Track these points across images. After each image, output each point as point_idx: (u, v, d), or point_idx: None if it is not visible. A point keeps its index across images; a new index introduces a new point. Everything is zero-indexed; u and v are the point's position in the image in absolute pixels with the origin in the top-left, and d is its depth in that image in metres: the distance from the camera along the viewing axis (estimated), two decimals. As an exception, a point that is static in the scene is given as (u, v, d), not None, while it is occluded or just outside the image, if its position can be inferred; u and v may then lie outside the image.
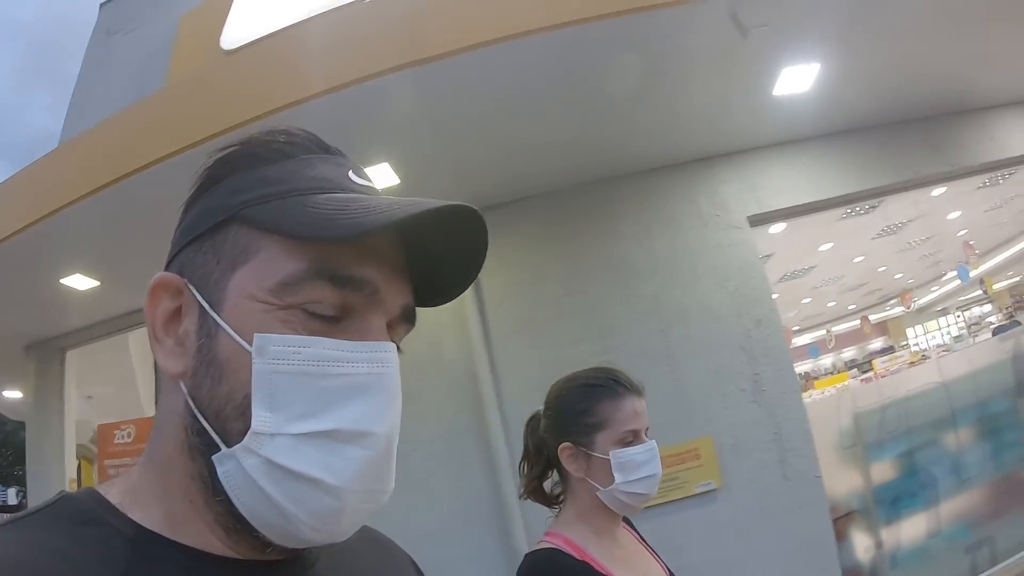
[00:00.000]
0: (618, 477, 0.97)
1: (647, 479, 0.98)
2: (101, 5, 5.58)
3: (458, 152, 2.31)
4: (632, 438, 1.00)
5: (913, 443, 2.71)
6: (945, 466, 2.78)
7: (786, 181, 2.70)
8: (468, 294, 2.55)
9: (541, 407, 1.09)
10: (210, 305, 0.37)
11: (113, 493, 0.38)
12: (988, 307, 10.56)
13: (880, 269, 8.89)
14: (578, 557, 0.94)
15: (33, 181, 2.40)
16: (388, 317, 0.39)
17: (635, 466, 0.98)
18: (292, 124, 0.42)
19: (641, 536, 1.10)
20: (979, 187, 5.13)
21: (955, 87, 2.94)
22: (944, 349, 8.70)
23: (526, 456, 1.10)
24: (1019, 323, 6.90)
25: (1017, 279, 10.40)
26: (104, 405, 4.39)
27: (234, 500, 0.34)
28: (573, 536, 0.98)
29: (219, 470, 0.34)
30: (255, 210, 0.37)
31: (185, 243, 0.39)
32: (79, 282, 2.80)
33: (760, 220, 2.67)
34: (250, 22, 3.68)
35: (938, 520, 2.60)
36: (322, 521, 0.35)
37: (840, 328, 11.41)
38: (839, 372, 10.07)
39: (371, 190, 0.41)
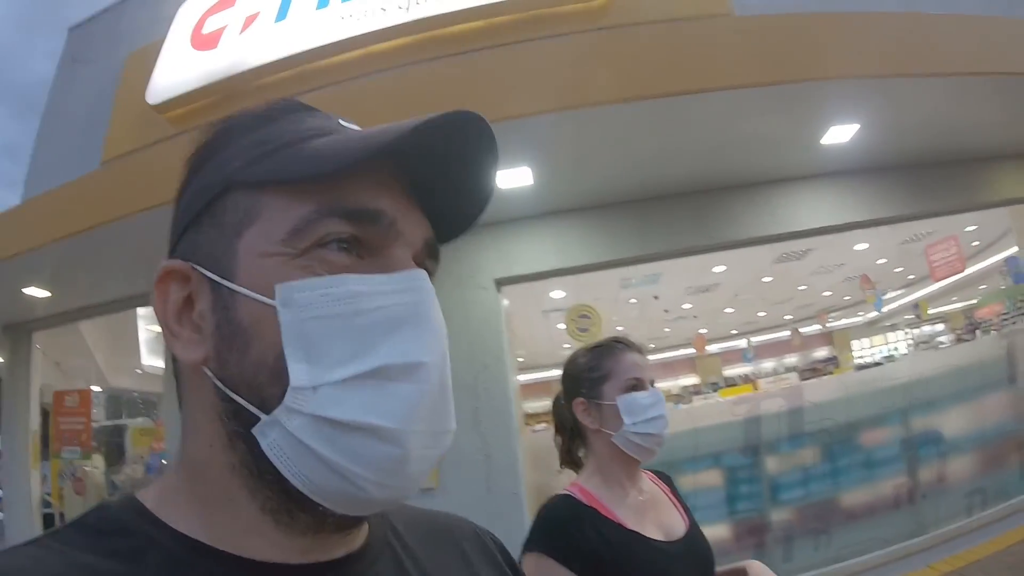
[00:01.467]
0: (627, 420, 1.09)
1: (655, 420, 1.09)
2: (69, 29, 6.48)
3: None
4: (636, 384, 1.12)
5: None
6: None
7: (533, 250, 3.77)
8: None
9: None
10: (222, 277, 0.36)
11: (151, 500, 0.37)
12: (940, 326, 11.21)
13: (801, 287, 9.37)
14: (586, 502, 1.04)
15: (4, 227, 3.65)
16: (412, 251, 0.39)
17: (641, 408, 1.09)
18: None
19: (674, 490, 1.20)
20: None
21: (725, 166, 3.58)
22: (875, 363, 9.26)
23: (557, 431, 1.25)
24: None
25: (973, 302, 10.88)
26: (69, 370, 5.73)
27: (285, 473, 0.33)
28: (588, 486, 1.09)
29: (263, 443, 0.33)
30: (249, 171, 0.37)
31: (183, 229, 0.39)
32: (37, 292, 4.09)
33: (506, 282, 3.81)
34: (174, 76, 4.66)
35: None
36: (386, 474, 0.34)
37: (780, 336, 12.21)
38: (753, 380, 10.97)
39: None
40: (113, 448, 5.39)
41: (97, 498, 4.68)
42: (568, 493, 1.08)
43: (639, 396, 1.11)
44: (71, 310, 4.83)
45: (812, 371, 11.22)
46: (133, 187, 3.22)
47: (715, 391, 10.26)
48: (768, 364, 12.92)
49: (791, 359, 13.67)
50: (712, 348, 11.03)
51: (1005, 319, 8.31)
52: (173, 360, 0.39)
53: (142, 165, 3.43)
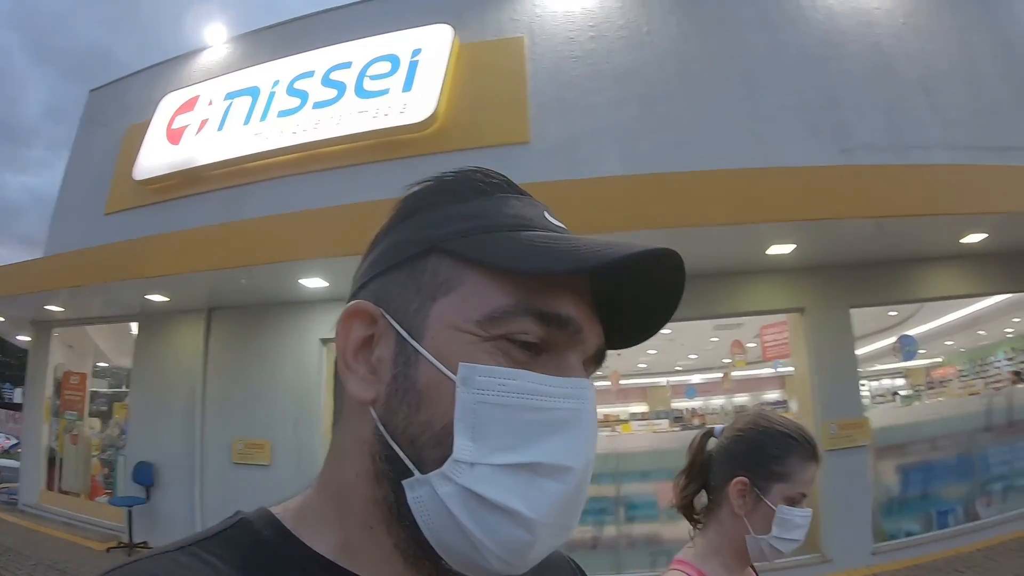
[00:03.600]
0: (775, 530, 1.07)
1: (793, 540, 1.09)
2: (90, 91, 8.87)
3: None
4: (800, 500, 1.10)
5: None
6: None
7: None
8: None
9: (717, 427, 1.21)
10: (409, 334, 0.40)
11: (289, 517, 0.42)
12: (901, 380, 11.82)
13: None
14: None
15: (25, 274, 6.15)
16: (584, 356, 0.43)
17: (792, 526, 1.08)
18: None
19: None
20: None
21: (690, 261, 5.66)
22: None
23: (687, 470, 1.19)
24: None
25: (939, 359, 11.85)
26: (81, 352, 8.30)
27: (422, 526, 0.37)
28: (707, 570, 1.09)
29: (409, 495, 0.37)
30: (458, 243, 0.41)
31: (377, 272, 0.43)
32: (54, 308, 6.61)
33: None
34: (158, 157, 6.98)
35: None
36: (511, 553, 0.37)
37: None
38: (701, 415, 11.50)
39: (567, 231, 0.44)
40: (105, 413, 7.96)
41: (86, 448, 7.23)
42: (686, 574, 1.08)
43: (798, 514, 1.09)
44: (78, 318, 7.37)
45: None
46: (109, 265, 5.57)
47: (661, 419, 10.68)
48: (717, 400, 13.04)
49: (742, 398, 14.07)
50: (660, 380, 12.03)
51: (963, 378, 9.74)
52: (337, 384, 0.44)
53: (117, 249, 5.74)
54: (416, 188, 0.46)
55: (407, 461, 0.38)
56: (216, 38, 7.89)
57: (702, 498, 1.18)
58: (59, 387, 7.68)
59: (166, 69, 8.13)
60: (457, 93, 5.92)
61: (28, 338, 8.37)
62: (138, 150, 7.24)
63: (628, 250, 0.38)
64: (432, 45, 6.03)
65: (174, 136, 7.02)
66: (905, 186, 4.63)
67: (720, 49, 6.09)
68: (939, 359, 11.57)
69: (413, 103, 5.79)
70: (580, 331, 0.41)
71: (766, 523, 1.08)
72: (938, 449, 5.70)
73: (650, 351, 11.75)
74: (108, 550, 5.72)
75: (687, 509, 1.18)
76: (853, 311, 5.44)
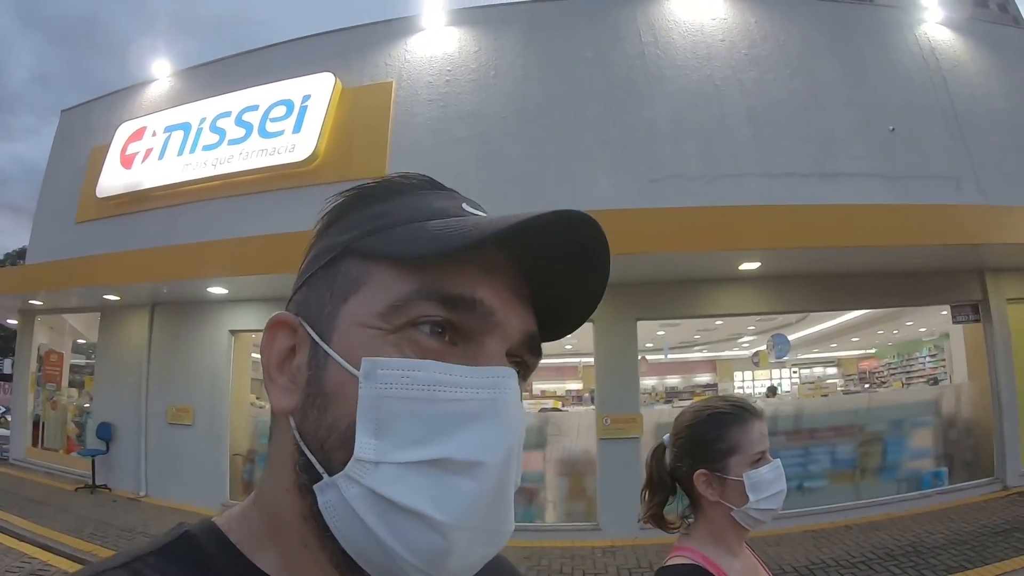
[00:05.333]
0: (752, 496, 1.17)
1: (777, 495, 1.19)
2: (62, 111, 10.90)
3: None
4: (761, 458, 1.20)
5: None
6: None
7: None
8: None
9: (665, 437, 1.33)
10: (320, 337, 0.41)
11: (234, 530, 0.43)
12: (833, 369, 12.96)
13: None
14: (710, 570, 1.15)
15: (13, 278, 8.27)
16: (508, 343, 0.42)
17: (766, 484, 1.18)
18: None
19: (753, 550, 1.32)
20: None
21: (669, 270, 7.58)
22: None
23: (648, 484, 1.31)
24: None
25: (872, 351, 12.19)
26: (61, 333, 10.49)
27: (335, 533, 0.38)
28: (710, 554, 1.18)
29: (320, 500, 0.38)
30: (366, 241, 0.42)
31: (301, 283, 0.46)
32: (36, 302, 8.77)
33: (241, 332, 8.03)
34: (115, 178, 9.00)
35: None
36: (427, 562, 0.37)
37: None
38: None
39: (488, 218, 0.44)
40: (80, 384, 10.13)
41: (63, 413, 9.44)
42: (695, 563, 1.16)
43: (765, 472, 1.19)
44: (55, 308, 9.56)
45: (689, 394, 13.25)
46: (76, 274, 7.66)
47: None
48: (649, 382, 13.66)
49: (673, 380, 15.00)
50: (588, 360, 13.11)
51: (893, 371, 10.83)
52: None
53: (81, 263, 7.81)
54: (338, 199, 0.48)
55: (317, 466, 0.39)
56: (161, 72, 9.86)
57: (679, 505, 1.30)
58: (41, 363, 9.90)
59: (122, 97, 10.20)
60: (336, 133, 7.84)
61: (16, 322, 10.58)
62: (100, 170, 9.33)
63: (527, 216, 0.38)
64: (318, 91, 7.96)
65: (127, 161, 9.08)
66: (690, 226, 5.79)
67: (555, 88, 7.80)
68: (872, 350, 12.62)
69: (300, 143, 7.75)
70: (492, 313, 0.41)
71: (742, 494, 1.18)
72: None
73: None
74: (76, 490, 7.98)
75: (656, 519, 1.29)
76: (640, 323, 6.90)
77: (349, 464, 0.37)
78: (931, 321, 8.74)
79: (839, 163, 7.35)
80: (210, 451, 7.53)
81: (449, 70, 8.03)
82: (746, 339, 13.04)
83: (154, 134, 8.95)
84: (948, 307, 7.41)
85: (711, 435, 1.22)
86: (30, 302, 9.17)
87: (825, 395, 10.44)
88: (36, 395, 9.75)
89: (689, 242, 5.78)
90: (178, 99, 9.27)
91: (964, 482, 6.87)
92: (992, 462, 6.92)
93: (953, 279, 7.17)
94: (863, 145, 7.51)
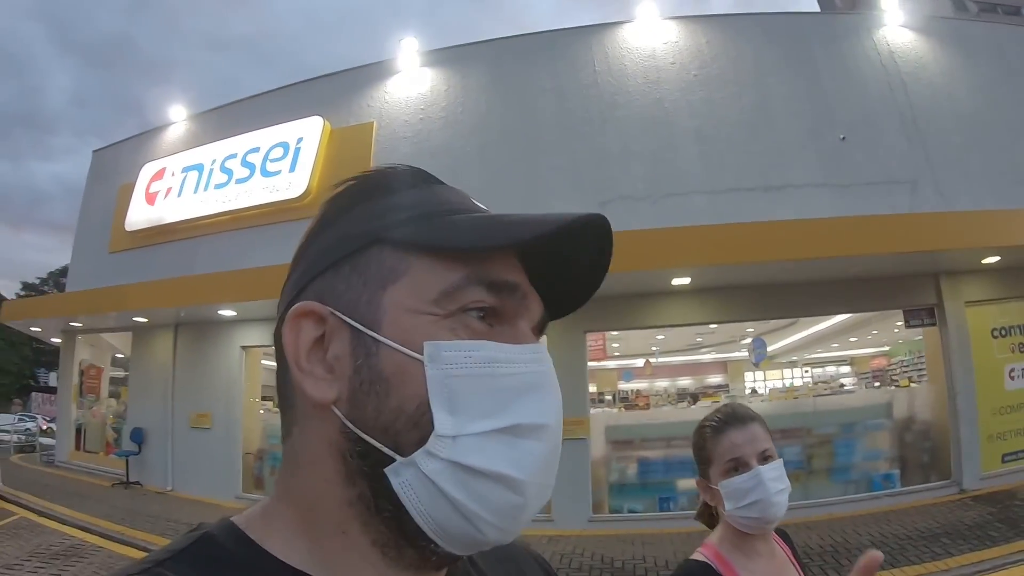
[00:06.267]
0: (728, 505, 1.25)
1: (755, 504, 1.22)
2: (93, 151, 12.51)
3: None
4: (736, 467, 1.26)
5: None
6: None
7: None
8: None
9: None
10: (365, 325, 0.43)
11: (254, 528, 0.44)
12: (847, 368, 12.66)
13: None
14: (719, 568, 1.24)
15: (55, 304, 9.81)
16: (532, 324, 0.48)
17: (741, 494, 1.24)
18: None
19: (794, 550, 1.38)
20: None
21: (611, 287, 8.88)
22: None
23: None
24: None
25: (885, 348, 12.10)
26: (100, 349, 12.09)
27: (412, 510, 0.41)
28: (723, 551, 1.28)
29: (394, 482, 0.41)
30: (399, 231, 0.45)
31: (317, 273, 0.46)
32: (75, 323, 10.33)
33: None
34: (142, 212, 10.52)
35: None
36: (506, 519, 0.42)
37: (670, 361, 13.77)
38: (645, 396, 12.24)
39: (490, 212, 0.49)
40: (117, 394, 11.68)
41: (102, 420, 10.99)
42: (707, 560, 1.26)
43: (737, 481, 1.24)
44: (93, 329, 11.11)
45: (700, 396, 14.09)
46: (109, 301, 9.13)
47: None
48: (662, 383, 14.08)
49: (685, 381, 14.79)
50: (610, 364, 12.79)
51: (906, 369, 10.69)
52: (283, 394, 0.47)
53: (113, 292, 9.29)
54: (341, 189, 0.50)
55: (385, 450, 0.41)
56: (178, 116, 11.33)
57: None
58: (82, 376, 11.49)
59: (145, 139, 11.75)
60: (326, 170, 9.14)
61: (59, 340, 12.21)
62: (128, 206, 10.83)
63: (560, 220, 0.43)
64: (309, 134, 9.28)
65: (151, 198, 10.56)
66: (632, 247, 6.21)
67: (515, 120, 8.82)
68: (885, 348, 12.52)
69: (295, 181, 9.08)
70: (527, 297, 0.47)
71: (723, 502, 1.27)
72: (672, 447, 7.45)
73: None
74: (112, 486, 9.46)
75: (703, 517, 1.43)
76: (588, 335, 7.79)
77: (430, 440, 0.40)
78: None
79: (786, 175, 7.91)
80: (226, 451, 8.92)
81: (423, 108, 9.23)
82: (747, 340, 13.65)
83: (173, 174, 10.41)
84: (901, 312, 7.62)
85: (696, 446, 1.35)
86: (71, 324, 10.76)
87: (796, 398, 10.98)
88: (79, 405, 11.36)
89: (632, 262, 6.28)
90: (192, 142, 10.74)
91: (918, 485, 7.10)
92: (950, 466, 7.13)
93: (906, 283, 7.44)
94: (812, 156, 8.04)
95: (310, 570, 0.42)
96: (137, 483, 9.42)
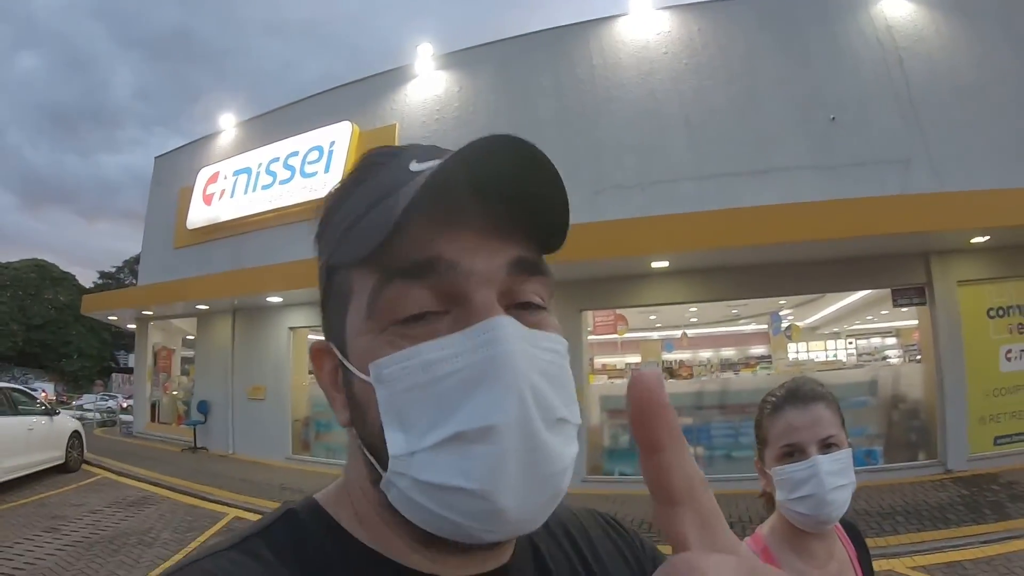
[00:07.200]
0: (780, 495, 1.13)
1: (807, 499, 1.09)
2: (155, 158, 14.27)
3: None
4: (792, 452, 1.13)
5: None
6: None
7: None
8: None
9: None
10: (342, 355, 0.46)
11: (333, 508, 0.49)
12: (892, 339, 12.48)
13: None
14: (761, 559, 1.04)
15: (129, 296, 11.59)
16: (495, 287, 0.43)
17: (792, 484, 1.10)
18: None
19: (861, 549, 1.24)
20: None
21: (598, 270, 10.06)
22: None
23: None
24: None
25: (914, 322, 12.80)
26: (170, 332, 13.95)
27: (410, 517, 0.43)
28: (772, 546, 1.17)
29: (388, 495, 0.43)
30: (336, 253, 0.47)
31: (322, 307, 0.50)
32: (147, 311, 12.11)
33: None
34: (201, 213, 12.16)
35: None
36: (486, 523, 0.40)
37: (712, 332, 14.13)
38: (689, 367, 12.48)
39: (433, 165, 0.43)
40: (187, 372, 13.48)
41: (172, 396, 12.80)
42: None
43: (789, 470, 1.12)
44: (163, 315, 12.91)
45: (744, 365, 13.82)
46: (174, 292, 10.81)
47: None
48: (705, 353, 14.37)
49: (728, 351, 14.90)
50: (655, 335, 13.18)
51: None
52: None
53: (177, 285, 10.93)
54: (316, 215, 0.51)
55: (378, 467, 0.43)
56: (228, 123, 12.88)
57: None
58: (156, 358, 13.34)
59: (200, 146, 13.41)
60: (356, 171, 10.34)
61: (133, 327, 14.12)
62: (188, 206, 12.47)
63: (436, 169, 0.40)
64: (340, 138, 10.58)
65: (208, 199, 12.17)
66: (622, 234, 7.05)
67: (518, 118, 9.61)
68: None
69: (330, 181, 10.36)
70: (456, 264, 0.42)
71: (775, 490, 1.13)
72: None
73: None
74: (182, 451, 11.22)
75: (767, 498, 1.25)
76: (585, 312, 8.57)
77: (390, 461, 0.41)
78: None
79: (773, 159, 8.17)
80: (278, 418, 10.46)
81: (438, 110, 10.37)
82: (786, 311, 13.84)
83: (225, 177, 11.98)
84: (889, 291, 7.78)
85: (758, 423, 1.23)
86: (143, 312, 12.57)
87: (801, 372, 11.12)
88: (154, 383, 13.24)
89: (621, 248, 6.99)
90: (241, 147, 12.27)
91: (902, 463, 7.20)
92: (937, 445, 7.23)
93: (895, 263, 7.50)
94: (801, 138, 8.23)
95: (382, 551, 0.46)
96: (204, 448, 11.12)
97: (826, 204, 6.91)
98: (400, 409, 0.41)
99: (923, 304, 7.65)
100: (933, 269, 7.51)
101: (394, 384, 0.41)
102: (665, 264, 7.93)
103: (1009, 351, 7.53)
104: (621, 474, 8.03)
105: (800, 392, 1.17)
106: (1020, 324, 7.60)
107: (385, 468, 0.42)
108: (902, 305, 7.91)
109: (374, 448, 0.43)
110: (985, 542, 4.90)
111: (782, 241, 6.72)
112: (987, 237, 7.11)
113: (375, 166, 0.50)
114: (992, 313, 7.59)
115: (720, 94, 8.73)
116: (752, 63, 8.76)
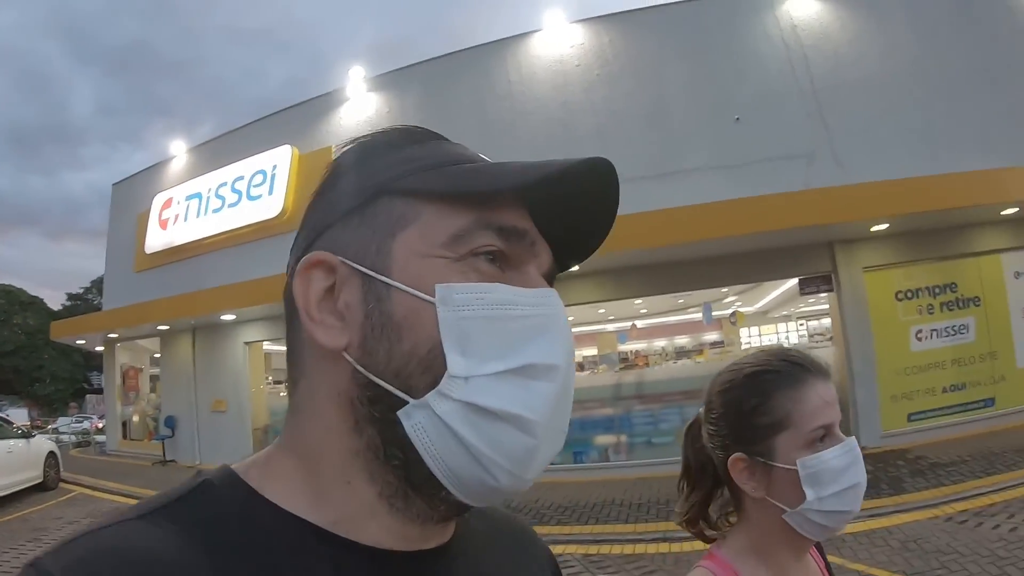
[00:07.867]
0: (810, 493, 0.86)
1: (849, 491, 0.87)
2: (113, 184, 15.03)
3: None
4: (825, 436, 0.88)
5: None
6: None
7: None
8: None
9: (701, 408, 1.01)
10: (374, 271, 0.45)
11: (253, 476, 0.46)
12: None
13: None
14: None
15: (95, 321, 12.39)
16: (541, 271, 0.50)
17: (832, 475, 0.87)
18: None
19: (827, 563, 1.03)
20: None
21: None
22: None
23: (685, 474, 1.03)
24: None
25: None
26: (137, 352, 14.76)
27: (424, 454, 0.42)
28: (739, 566, 0.91)
29: (406, 424, 0.42)
30: (406, 181, 0.47)
31: (325, 227, 0.48)
32: (113, 334, 12.93)
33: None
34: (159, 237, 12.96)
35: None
36: (518, 463, 0.43)
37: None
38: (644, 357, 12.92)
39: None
40: (155, 389, 14.28)
41: (143, 414, 13.65)
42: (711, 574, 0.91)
43: (831, 457, 0.87)
44: (128, 337, 13.74)
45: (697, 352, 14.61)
46: (137, 316, 11.62)
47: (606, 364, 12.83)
48: (660, 343, 14.44)
49: (682, 339, 14.89)
50: (610, 327, 13.46)
51: None
52: (291, 348, 0.49)
53: (139, 308, 11.75)
54: (347, 148, 0.52)
55: (398, 393, 0.42)
56: (179, 150, 13.68)
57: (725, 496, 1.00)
58: (124, 377, 14.14)
59: (154, 172, 14.18)
60: (298, 192, 11.28)
61: (102, 348, 14.89)
62: (146, 231, 13.25)
63: (566, 162, 0.44)
64: (281, 161, 11.43)
65: (163, 224, 12.99)
66: None
67: (444, 134, 10.62)
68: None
69: (273, 203, 11.25)
70: (535, 243, 0.48)
71: (796, 489, 0.87)
72: (586, 409, 8.72)
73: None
74: (152, 465, 12.06)
75: (695, 524, 1.01)
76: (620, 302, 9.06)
77: (443, 381, 0.41)
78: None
79: (679, 162, 8.63)
80: (239, 428, 11.33)
81: (369, 131, 10.97)
82: (730, 299, 14.51)
83: (178, 202, 12.75)
84: (797, 280, 8.26)
85: (750, 404, 0.92)
86: (109, 335, 13.37)
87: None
88: (123, 402, 14.08)
89: None
90: (192, 172, 13.04)
91: None
92: (849, 423, 7.58)
93: (802, 253, 7.98)
94: (708, 140, 8.71)
95: (311, 519, 0.43)
96: (173, 461, 11.97)
97: (728, 203, 7.35)
98: (464, 334, 0.42)
99: (830, 291, 8.15)
100: (838, 257, 8.01)
101: (462, 310, 0.43)
102: (575, 268, 8.78)
103: (920, 331, 8.05)
104: (551, 464, 8.77)
105: (813, 361, 0.95)
106: (930, 305, 8.15)
107: (412, 394, 0.42)
108: (809, 293, 8.48)
109: (398, 373, 0.43)
110: (872, 516, 5.10)
111: (688, 241, 7.26)
112: (887, 225, 7.61)
113: (430, 136, 0.53)
114: (900, 296, 8.12)
115: (630, 102, 9.24)
116: (661, 70, 9.29)
